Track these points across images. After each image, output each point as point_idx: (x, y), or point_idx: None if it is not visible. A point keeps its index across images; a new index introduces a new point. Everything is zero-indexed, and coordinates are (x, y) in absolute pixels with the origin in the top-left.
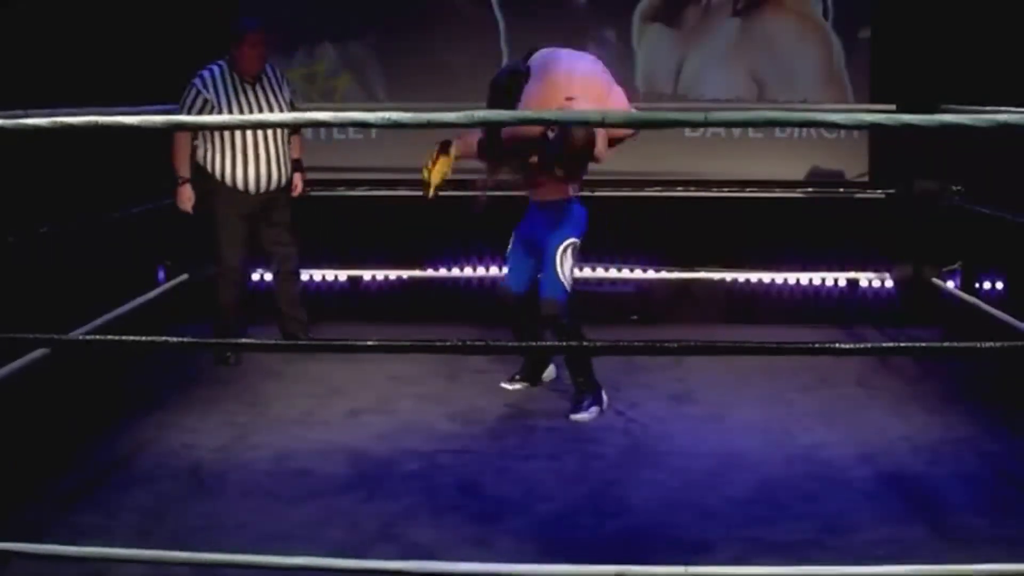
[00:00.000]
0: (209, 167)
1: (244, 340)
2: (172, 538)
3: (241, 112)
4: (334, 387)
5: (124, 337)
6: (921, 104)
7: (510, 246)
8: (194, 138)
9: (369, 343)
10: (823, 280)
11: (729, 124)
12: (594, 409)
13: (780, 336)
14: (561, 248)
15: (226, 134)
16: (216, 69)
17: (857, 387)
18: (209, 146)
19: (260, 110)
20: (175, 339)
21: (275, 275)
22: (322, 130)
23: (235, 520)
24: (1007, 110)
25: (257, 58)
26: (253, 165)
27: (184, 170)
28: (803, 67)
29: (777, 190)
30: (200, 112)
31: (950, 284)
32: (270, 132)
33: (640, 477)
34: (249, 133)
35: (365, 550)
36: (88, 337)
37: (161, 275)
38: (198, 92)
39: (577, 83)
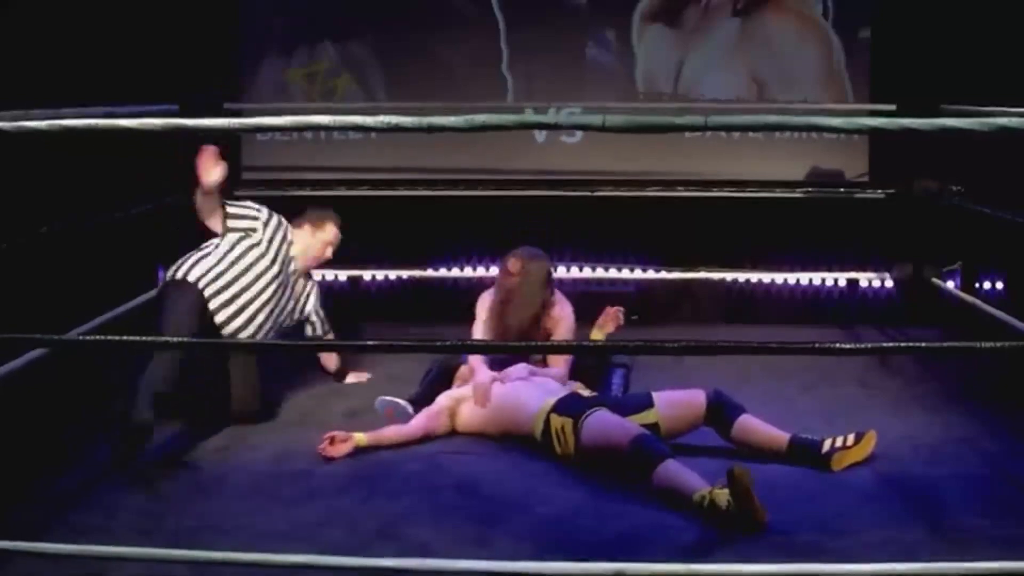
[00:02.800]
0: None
1: (244, 342)
2: (171, 538)
3: (256, 267)
4: (334, 387)
5: (124, 337)
6: (921, 104)
7: None
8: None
9: (369, 343)
10: (823, 280)
11: (729, 128)
12: None
13: (780, 336)
14: None
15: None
16: (287, 227)
17: (857, 387)
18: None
19: (286, 284)
20: (175, 340)
21: None
22: (322, 132)
23: (235, 520)
24: (1007, 111)
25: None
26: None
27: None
28: (803, 67)
29: (777, 190)
30: (268, 228)
31: (950, 284)
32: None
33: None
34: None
35: (365, 550)
36: (88, 338)
37: (161, 275)
38: (265, 223)
39: None
